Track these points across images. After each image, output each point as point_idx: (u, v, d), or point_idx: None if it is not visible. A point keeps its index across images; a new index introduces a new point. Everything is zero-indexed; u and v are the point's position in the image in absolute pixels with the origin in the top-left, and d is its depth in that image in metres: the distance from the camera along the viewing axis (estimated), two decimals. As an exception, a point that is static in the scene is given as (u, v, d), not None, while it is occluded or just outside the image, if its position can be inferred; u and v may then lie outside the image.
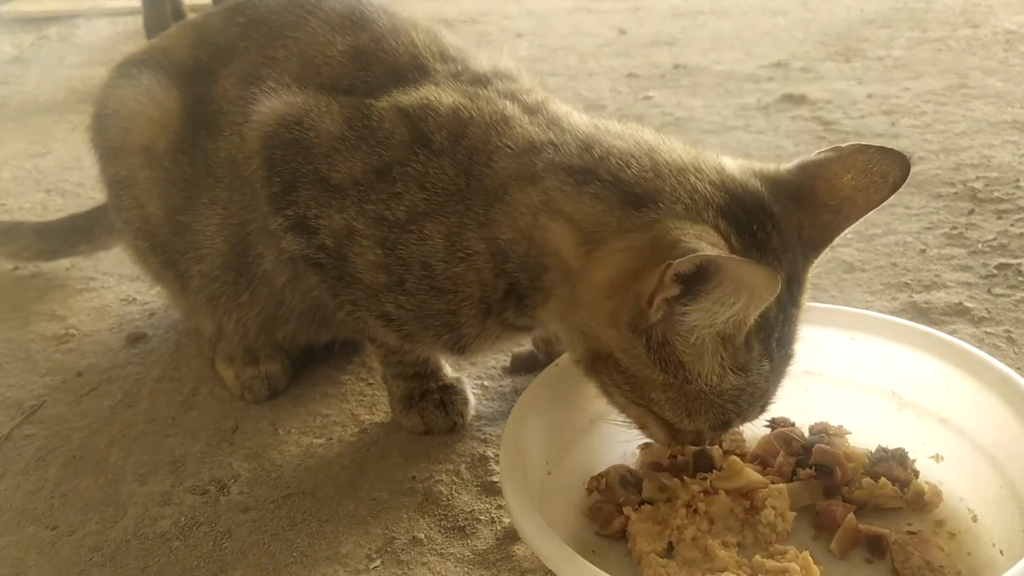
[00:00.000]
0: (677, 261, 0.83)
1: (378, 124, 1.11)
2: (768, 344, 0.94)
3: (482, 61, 1.20)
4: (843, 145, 0.99)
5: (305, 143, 1.14)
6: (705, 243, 0.87)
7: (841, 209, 0.97)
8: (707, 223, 0.91)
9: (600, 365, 1.00)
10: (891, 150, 0.98)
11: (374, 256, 1.11)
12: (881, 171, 0.97)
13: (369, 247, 1.11)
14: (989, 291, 1.51)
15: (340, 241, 1.13)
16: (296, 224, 1.16)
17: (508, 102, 1.11)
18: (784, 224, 0.95)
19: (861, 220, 0.98)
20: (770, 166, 1.01)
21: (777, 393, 1.00)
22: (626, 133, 1.05)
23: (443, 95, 1.12)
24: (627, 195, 0.96)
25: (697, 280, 0.85)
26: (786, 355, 0.98)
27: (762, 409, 1.00)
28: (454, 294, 1.09)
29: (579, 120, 1.09)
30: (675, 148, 1.02)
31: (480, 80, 1.15)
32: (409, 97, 1.13)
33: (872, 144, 0.99)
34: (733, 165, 1.00)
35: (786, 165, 1.01)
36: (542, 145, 1.04)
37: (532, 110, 1.11)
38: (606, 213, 0.96)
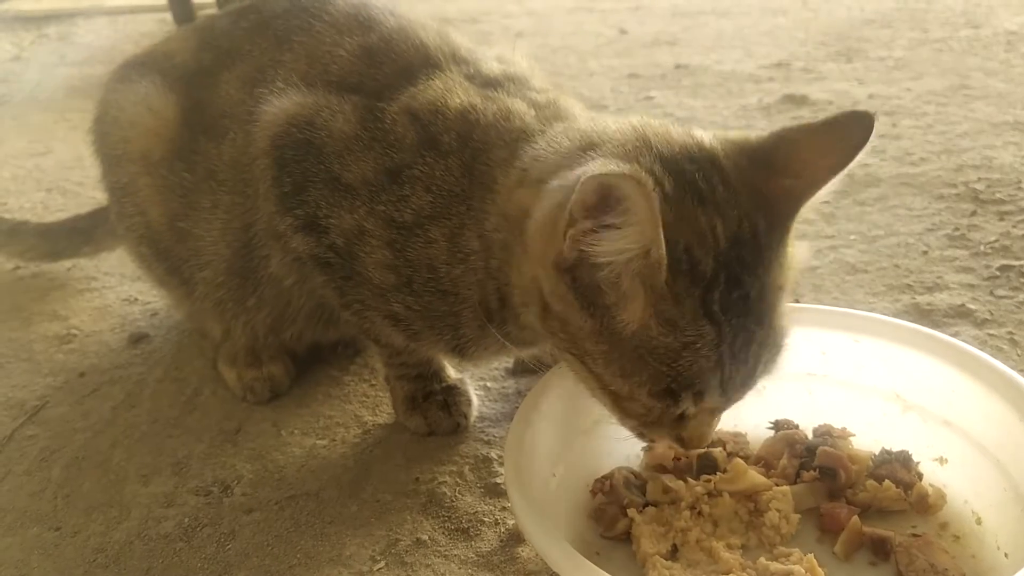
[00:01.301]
0: (578, 190, 0.82)
1: (390, 127, 1.11)
2: (708, 304, 0.87)
3: (493, 65, 1.20)
4: (818, 118, 0.97)
5: (316, 143, 1.14)
6: (612, 168, 0.84)
7: (802, 174, 0.92)
8: (640, 166, 0.89)
9: (547, 319, 0.96)
10: (855, 111, 0.94)
11: (383, 256, 1.11)
12: (843, 132, 0.93)
13: (378, 247, 1.11)
14: (991, 293, 1.51)
15: (350, 241, 1.13)
16: (306, 224, 1.16)
17: (518, 100, 1.11)
18: (735, 180, 0.92)
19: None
20: (740, 133, 0.99)
21: (754, 380, 0.94)
22: (619, 121, 1.02)
23: (452, 97, 1.11)
24: (580, 147, 0.97)
25: (602, 210, 0.83)
26: (745, 327, 0.89)
27: (722, 388, 0.91)
28: (455, 296, 1.10)
29: (580, 115, 1.09)
30: (661, 125, 0.99)
31: (492, 83, 1.15)
32: (420, 99, 1.12)
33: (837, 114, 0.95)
34: (704, 134, 0.98)
35: (758, 133, 0.98)
36: (533, 135, 1.04)
37: (541, 106, 1.10)
38: (558, 163, 0.97)
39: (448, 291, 1.09)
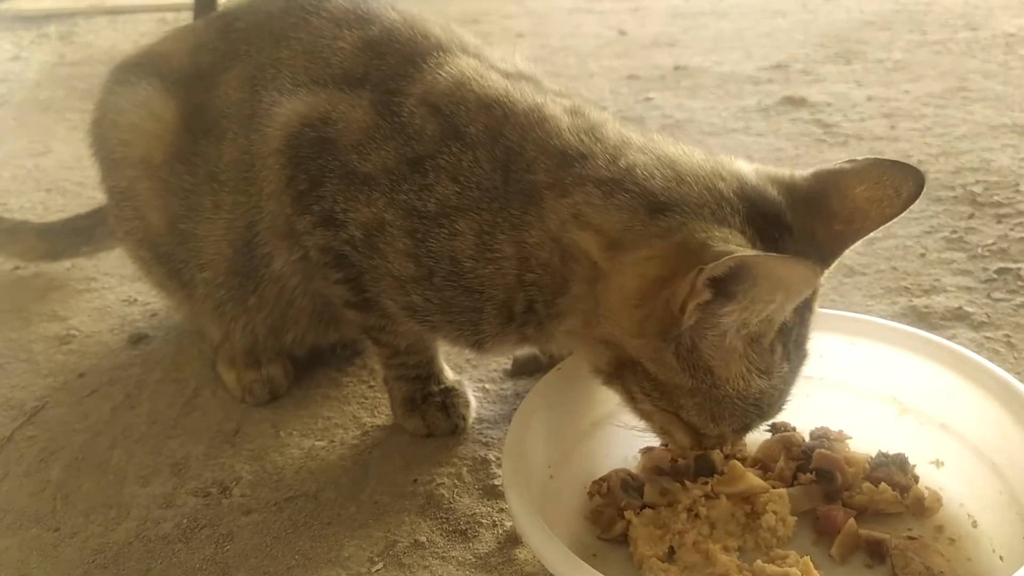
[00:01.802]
0: (711, 265, 0.83)
1: (408, 120, 1.11)
2: (787, 345, 0.95)
3: (504, 63, 1.19)
4: (859, 158, 1.00)
5: (331, 138, 1.14)
6: (734, 244, 0.87)
7: (853, 220, 0.97)
8: (734, 227, 0.92)
9: (626, 374, 0.99)
10: (906, 164, 0.98)
11: (403, 246, 1.10)
12: (895, 185, 0.97)
13: (399, 236, 1.10)
14: (989, 295, 1.52)
15: (369, 232, 1.12)
16: (324, 220, 1.16)
17: (548, 99, 1.10)
18: (798, 232, 0.96)
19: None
20: (784, 172, 1.01)
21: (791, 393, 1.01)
22: (648, 146, 1.04)
23: (481, 81, 1.11)
24: (653, 203, 0.96)
25: (729, 282, 0.85)
26: (800, 356, 0.99)
27: (779, 410, 1.00)
28: (480, 294, 1.09)
29: (611, 131, 1.08)
30: (695, 156, 1.02)
31: (508, 76, 1.15)
32: (437, 91, 1.11)
33: (888, 158, 0.99)
34: (749, 171, 1.00)
35: (800, 172, 1.01)
36: (573, 158, 1.03)
37: (573, 112, 1.10)
38: (632, 219, 0.96)
39: (472, 288, 1.09)
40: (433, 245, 1.09)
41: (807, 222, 0.97)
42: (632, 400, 1.02)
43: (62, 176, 2.35)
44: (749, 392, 0.94)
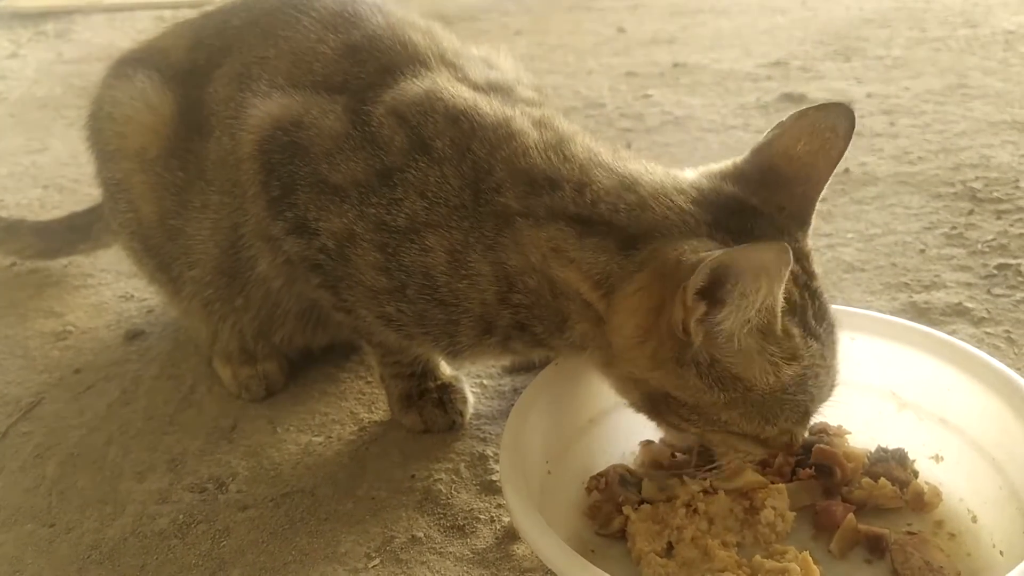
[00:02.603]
0: (692, 279, 0.84)
1: (377, 130, 1.10)
2: (806, 324, 0.93)
3: (480, 69, 1.19)
4: (784, 119, 1.00)
5: (304, 144, 1.13)
6: (703, 251, 0.87)
7: (809, 176, 0.98)
8: (702, 236, 0.93)
9: (661, 407, 0.99)
10: (829, 104, 0.99)
11: (374, 259, 1.10)
12: (830, 127, 0.98)
13: (369, 250, 1.10)
14: (989, 291, 1.51)
15: (341, 243, 1.12)
16: (296, 227, 1.15)
17: (516, 113, 1.09)
18: (766, 211, 0.96)
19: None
20: (726, 164, 1.03)
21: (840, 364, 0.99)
22: (613, 166, 1.03)
23: (450, 92, 1.10)
24: (624, 238, 0.96)
25: (716, 288, 0.85)
26: (829, 326, 0.97)
27: (833, 385, 0.98)
28: (455, 307, 1.08)
29: (577, 149, 1.06)
30: (656, 174, 1.02)
31: (480, 89, 1.14)
32: (406, 99, 1.11)
33: (809, 105, 1.00)
34: (698, 177, 1.02)
35: (740, 157, 1.02)
36: (541, 185, 1.02)
37: (540, 124, 1.09)
38: (609, 262, 0.96)
39: (447, 302, 1.08)
40: (405, 259, 1.08)
41: (771, 198, 0.97)
42: (678, 430, 1.01)
43: (59, 173, 2.34)
44: (784, 383, 0.92)
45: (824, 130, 0.98)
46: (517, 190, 1.03)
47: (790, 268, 0.82)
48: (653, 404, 1.00)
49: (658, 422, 1.03)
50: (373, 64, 1.17)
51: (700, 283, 0.84)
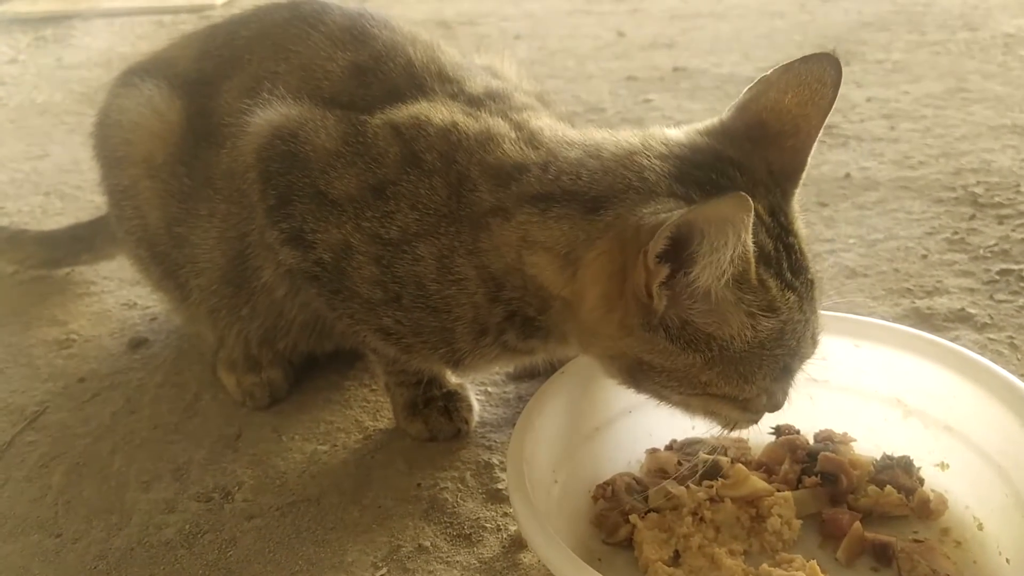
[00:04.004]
0: (651, 242, 0.83)
1: (372, 141, 1.10)
2: (783, 276, 0.92)
3: (477, 81, 1.19)
4: (767, 74, 0.99)
5: (301, 156, 1.13)
6: (663, 213, 0.87)
7: (799, 129, 0.97)
8: (661, 195, 0.92)
9: (641, 376, 0.98)
10: (815, 55, 0.98)
11: (370, 273, 1.10)
12: (818, 77, 0.97)
13: (366, 263, 1.10)
14: (991, 297, 1.51)
15: (337, 256, 1.12)
16: (292, 237, 1.15)
17: (500, 119, 1.10)
18: (747, 163, 0.95)
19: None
20: (711, 120, 1.02)
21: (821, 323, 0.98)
22: (579, 140, 1.04)
23: (434, 113, 1.10)
24: (585, 204, 0.96)
25: (681, 248, 0.84)
26: (808, 281, 0.95)
27: (814, 341, 0.97)
28: (447, 313, 1.09)
29: (548, 135, 1.07)
30: (621, 138, 1.02)
31: (475, 102, 1.14)
32: (402, 114, 1.11)
33: (793, 60, 0.99)
34: (677, 132, 1.01)
35: (724, 114, 1.01)
36: (509, 174, 1.03)
37: (518, 126, 1.09)
38: (573, 229, 0.96)
39: (439, 308, 1.08)
40: (399, 270, 1.08)
41: (757, 154, 0.96)
42: (661, 398, 1.01)
43: (60, 180, 2.34)
44: (763, 336, 0.91)
45: (812, 81, 0.97)
46: (488, 184, 1.04)
47: (752, 215, 0.81)
48: (633, 376, 0.99)
49: (645, 393, 1.02)
50: (378, 87, 1.17)
51: (661, 246, 0.84)
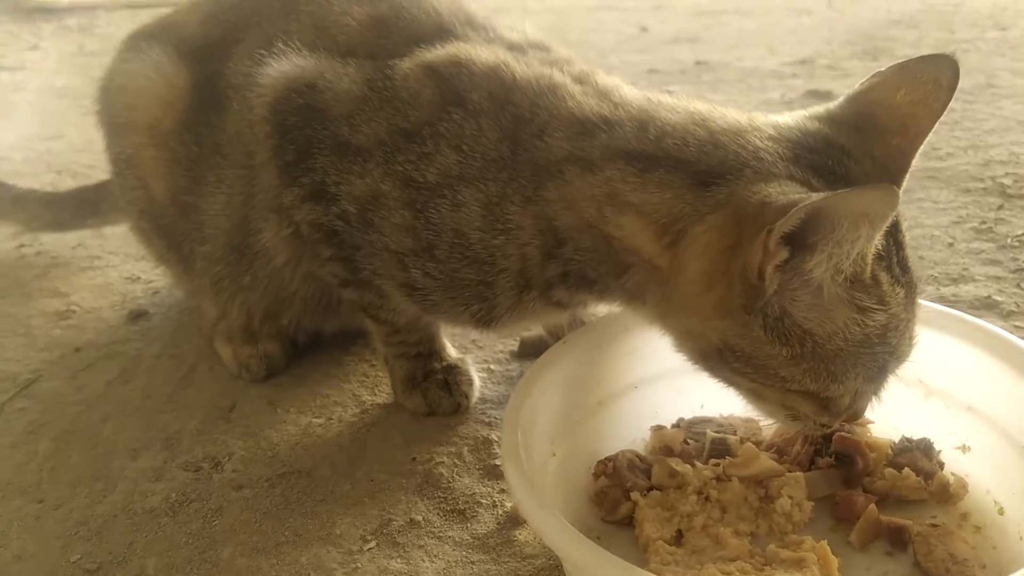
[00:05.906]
0: (780, 222, 0.77)
1: (402, 83, 1.05)
2: (892, 271, 0.87)
3: (513, 32, 1.14)
4: (883, 68, 0.94)
5: (320, 106, 1.09)
6: (794, 194, 0.81)
7: (907, 128, 0.92)
8: (780, 176, 0.85)
9: (717, 360, 0.92)
10: (934, 55, 0.93)
11: (401, 218, 1.05)
12: (933, 78, 0.91)
13: (396, 209, 1.05)
14: (1018, 285, 1.45)
15: (363, 207, 1.07)
16: (314, 193, 1.10)
17: (554, 69, 1.04)
18: (857, 154, 0.90)
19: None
20: (820, 108, 0.96)
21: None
22: (678, 105, 0.98)
23: (476, 53, 1.05)
24: (693, 175, 0.89)
25: (806, 234, 0.79)
26: (912, 279, 0.90)
27: (911, 342, 0.92)
28: (491, 265, 1.03)
29: (629, 94, 1.01)
30: (727, 114, 0.96)
31: (517, 48, 1.10)
32: (437, 54, 1.06)
33: (911, 58, 0.94)
34: (784, 117, 0.95)
35: (834, 102, 0.96)
36: (595, 125, 0.96)
37: (580, 79, 1.03)
38: (677, 200, 0.89)
39: (481, 259, 1.03)
40: (433, 216, 1.03)
41: (861, 147, 0.91)
42: (734, 385, 0.95)
43: (73, 159, 2.33)
44: (868, 333, 0.86)
45: (927, 81, 0.91)
46: (565, 132, 0.97)
47: (895, 212, 0.77)
48: (708, 358, 0.93)
49: (715, 376, 0.96)
50: (400, 35, 1.13)
51: (790, 226, 0.77)
